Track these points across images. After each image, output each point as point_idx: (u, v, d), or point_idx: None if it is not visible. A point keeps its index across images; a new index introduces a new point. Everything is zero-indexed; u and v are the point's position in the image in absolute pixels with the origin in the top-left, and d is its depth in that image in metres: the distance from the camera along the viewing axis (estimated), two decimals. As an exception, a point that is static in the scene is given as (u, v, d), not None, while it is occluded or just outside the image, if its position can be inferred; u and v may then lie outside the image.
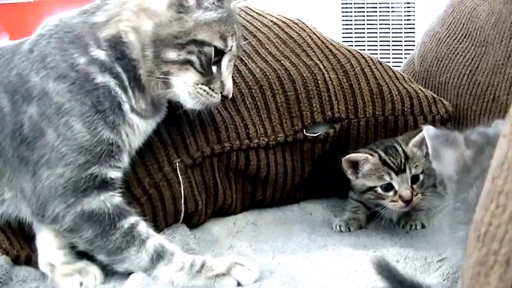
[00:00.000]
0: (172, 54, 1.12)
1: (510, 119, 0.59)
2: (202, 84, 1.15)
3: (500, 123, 1.09)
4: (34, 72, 1.09)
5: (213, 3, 1.14)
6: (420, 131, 1.36)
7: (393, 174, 1.35)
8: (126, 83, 1.13)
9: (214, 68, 1.16)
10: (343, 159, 1.40)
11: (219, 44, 1.15)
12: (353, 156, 1.39)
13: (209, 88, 1.16)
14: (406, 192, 1.34)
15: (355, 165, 1.40)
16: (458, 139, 1.06)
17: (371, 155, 1.38)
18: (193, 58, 1.13)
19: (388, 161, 1.36)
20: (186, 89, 1.15)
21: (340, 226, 1.46)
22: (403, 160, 1.36)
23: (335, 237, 1.39)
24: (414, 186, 1.35)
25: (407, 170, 1.35)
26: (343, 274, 1.12)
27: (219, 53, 1.16)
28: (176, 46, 1.11)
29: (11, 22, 5.33)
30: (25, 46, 1.15)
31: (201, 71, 1.14)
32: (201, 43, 1.13)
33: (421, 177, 1.37)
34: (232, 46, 1.18)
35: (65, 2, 4.89)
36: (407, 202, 1.34)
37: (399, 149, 1.39)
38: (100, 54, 1.11)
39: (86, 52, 1.10)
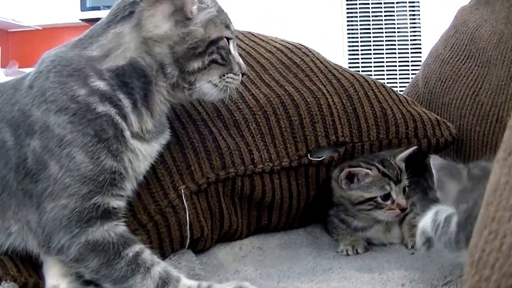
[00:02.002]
0: (197, 64, 1.17)
1: (503, 145, 0.60)
2: (227, 74, 1.23)
3: None
4: (35, 107, 1.11)
5: (210, 2, 1.21)
6: (406, 148, 1.50)
7: (392, 184, 1.43)
8: (128, 109, 1.15)
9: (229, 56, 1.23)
10: (345, 170, 1.45)
11: (227, 34, 1.23)
12: (356, 170, 1.44)
13: (233, 73, 1.24)
14: (403, 201, 1.43)
15: (351, 177, 1.45)
16: (462, 172, 1.12)
17: (370, 169, 1.44)
18: (215, 56, 1.19)
19: (388, 172, 1.43)
20: (214, 85, 1.22)
21: (347, 251, 1.47)
22: (399, 172, 1.45)
23: (341, 260, 1.39)
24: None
25: (402, 181, 1.45)
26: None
27: (228, 41, 1.23)
28: (198, 56, 1.17)
29: (20, 50, 5.40)
30: (25, 82, 1.16)
31: (224, 63, 1.21)
32: (216, 41, 1.19)
33: (407, 189, 1.47)
34: (233, 31, 1.27)
35: (73, 29, 4.96)
36: (403, 210, 1.43)
37: (392, 162, 1.46)
38: (101, 84, 1.12)
39: (86, 83, 1.12)
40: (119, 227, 1.11)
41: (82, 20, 4.87)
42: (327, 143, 1.50)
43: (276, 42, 1.72)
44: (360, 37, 4.44)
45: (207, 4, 1.20)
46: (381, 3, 4.42)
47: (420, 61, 4.29)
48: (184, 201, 1.33)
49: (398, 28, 4.43)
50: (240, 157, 1.42)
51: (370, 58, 4.46)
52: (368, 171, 1.43)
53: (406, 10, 4.43)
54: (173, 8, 1.15)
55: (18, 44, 5.49)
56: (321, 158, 1.50)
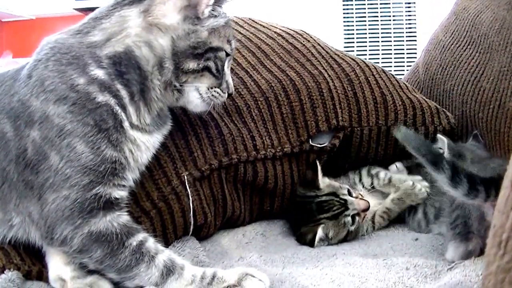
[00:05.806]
0: (192, 64, 1.16)
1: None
2: (215, 87, 1.22)
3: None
4: (34, 97, 1.09)
5: (222, 12, 1.21)
6: None
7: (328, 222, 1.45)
8: (126, 100, 1.13)
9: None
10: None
11: (227, 48, 1.22)
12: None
13: (220, 89, 1.23)
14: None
15: None
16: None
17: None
18: (211, 63, 1.18)
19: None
20: (200, 94, 1.21)
21: None
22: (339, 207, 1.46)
23: (345, 247, 1.40)
24: None
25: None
26: (353, 283, 1.11)
27: (226, 56, 1.23)
28: (195, 56, 1.16)
29: (14, 40, 5.35)
30: (24, 72, 1.14)
31: (216, 75, 1.21)
32: (216, 49, 1.19)
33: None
34: (233, 49, 1.26)
35: (67, 19, 4.92)
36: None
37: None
38: (100, 73, 1.11)
39: (85, 72, 1.10)
40: (122, 217, 1.10)
41: (76, 9, 4.83)
42: (327, 127, 1.50)
43: (277, 28, 1.71)
44: (356, 25, 4.43)
45: (218, 13, 1.20)
46: (376, -9, 4.42)
47: (415, 48, 4.29)
48: (188, 187, 1.32)
49: (393, 16, 4.42)
50: (243, 143, 1.42)
51: (366, 46, 4.45)
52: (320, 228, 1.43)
53: (401, -2, 4.42)
54: (186, 3, 1.15)
55: (12, 34, 5.43)
56: (323, 145, 1.49)
